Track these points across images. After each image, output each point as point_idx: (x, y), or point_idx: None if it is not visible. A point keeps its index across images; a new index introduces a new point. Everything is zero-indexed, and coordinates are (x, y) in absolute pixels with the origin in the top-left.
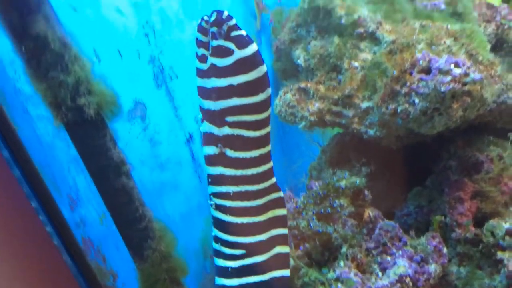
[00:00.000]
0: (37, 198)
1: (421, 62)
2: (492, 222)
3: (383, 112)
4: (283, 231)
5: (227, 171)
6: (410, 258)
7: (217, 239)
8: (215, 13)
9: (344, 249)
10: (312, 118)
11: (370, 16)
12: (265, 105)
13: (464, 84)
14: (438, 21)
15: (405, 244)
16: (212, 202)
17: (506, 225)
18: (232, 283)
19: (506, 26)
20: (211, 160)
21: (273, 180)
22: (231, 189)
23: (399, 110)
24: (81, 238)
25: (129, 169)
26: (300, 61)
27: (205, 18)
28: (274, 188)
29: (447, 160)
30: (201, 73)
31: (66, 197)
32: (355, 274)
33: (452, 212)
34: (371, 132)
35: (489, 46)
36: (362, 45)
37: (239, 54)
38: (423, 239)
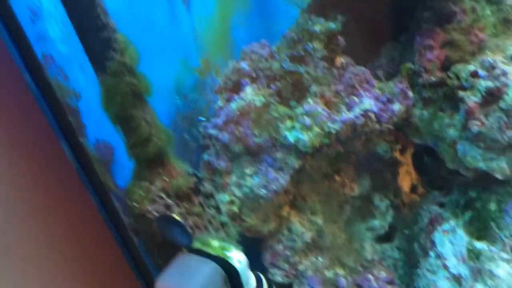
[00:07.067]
0: None
1: None
2: (458, 65)
3: None
4: None
5: None
6: (376, 98)
7: None
8: None
9: (313, 88)
10: None
11: None
12: None
13: None
14: None
15: (373, 86)
16: None
17: (471, 67)
18: None
19: None
20: None
21: None
22: None
23: None
24: (41, 54)
25: None
26: None
27: None
28: None
29: (421, 12)
30: None
31: (27, 9)
32: (322, 109)
33: (421, 59)
34: None
35: None
36: None
37: None
38: (390, 83)
